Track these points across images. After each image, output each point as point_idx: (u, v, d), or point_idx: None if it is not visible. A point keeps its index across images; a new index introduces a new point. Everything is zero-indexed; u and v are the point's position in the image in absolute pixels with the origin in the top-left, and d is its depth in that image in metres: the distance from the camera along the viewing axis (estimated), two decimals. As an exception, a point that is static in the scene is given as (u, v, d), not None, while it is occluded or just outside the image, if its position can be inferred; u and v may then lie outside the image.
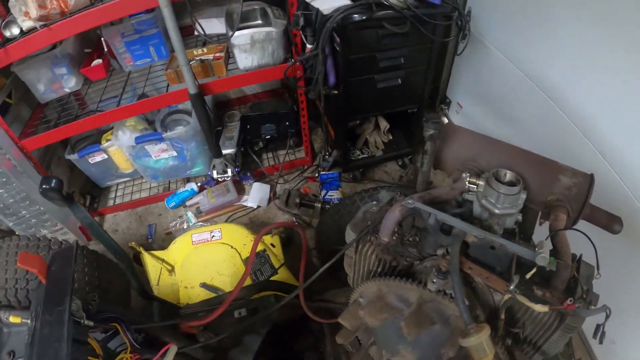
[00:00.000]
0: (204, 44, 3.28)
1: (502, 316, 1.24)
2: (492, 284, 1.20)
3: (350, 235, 1.51)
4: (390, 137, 3.61)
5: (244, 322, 2.04)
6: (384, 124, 3.51)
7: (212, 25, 3.29)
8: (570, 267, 1.16)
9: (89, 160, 3.60)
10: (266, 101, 4.05)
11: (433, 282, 1.25)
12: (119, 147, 3.56)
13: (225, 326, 1.97)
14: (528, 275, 1.14)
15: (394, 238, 1.39)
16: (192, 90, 2.98)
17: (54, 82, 3.38)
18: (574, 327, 1.16)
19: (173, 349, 1.44)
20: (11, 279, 1.98)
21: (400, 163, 3.74)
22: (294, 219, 3.39)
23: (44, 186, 1.41)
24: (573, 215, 1.33)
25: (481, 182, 1.27)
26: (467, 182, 1.30)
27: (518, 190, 1.22)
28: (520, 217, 1.29)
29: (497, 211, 1.24)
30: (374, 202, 1.57)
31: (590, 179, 1.32)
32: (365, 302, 1.45)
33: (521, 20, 2.79)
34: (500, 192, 1.22)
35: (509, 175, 1.28)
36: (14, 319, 1.52)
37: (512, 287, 1.12)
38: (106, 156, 3.67)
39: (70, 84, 3.39)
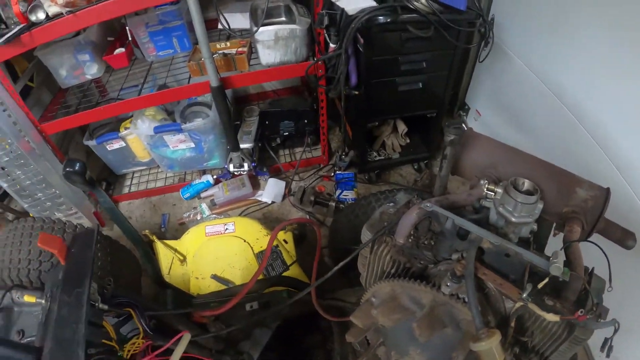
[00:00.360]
0: (228, 38, 3.30)
1: (512, 324, 1.25)
2: (505, 290, 1.21)
3: (366, 235, 1.51)
4: (408, 141, 3.61)
5: (255, 315, 2.06)
6: (402, 127, 3.51)
7: (236, 19, 3.29)
8: (582, 279, 1.17)
9: (107, 147, 3.65)
10: (285, 98, 4.08)
11: (447, 285, 1.26)
12: (137, 136, 3.61)
13: (236, 318, 1.98)
14: (540, 285, 1.14)
15: (410, 240, 1.40)
16: (214, 83, 3.01)
17: (76, 68, 3.41)
18: (582, 339, 1.17)
19: (187, 337, 1.46)
20: (24, 259, 2.01)
21: (416, 167, 3.74)
22: (308, 217, 3.40)
23: (67, 169, 1.43)
24: (587, 228, 1.34)
25: (499, 190, 1.28)
26: (485, 189, 1.31)
27: (535, 200, 1.23)
28: (535, 227, 1.30)
29: (513, 219, 1.25)
30: (391, 204, 1.58)
31: (606, 193, 1.33)
32: (378, 302, 1.46)
33: (544, 30, 2.79)
34: (518, 200, 1.23)
35: (527, 185, 1.29)
36: (28, 298, 1.54)
37: (524, 295, 1.13)
38: (124, 144, 3.73)
39: (92, 70, 3.42)
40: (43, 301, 1.38)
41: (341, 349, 2.01)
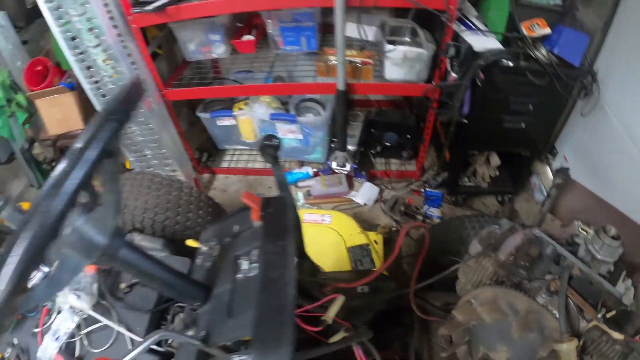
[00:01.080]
0: (350, 47, 3.51)
1: (581, 342, 1.51)
2: (585, 309, 1.48)
3: (476, 247, 1.78)
4: (497, 174, 3.77)
5: (364, 298, 2.30)
6: (495, 160, 3.68)
7: (351, 29, 3.40)
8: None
9: (217, 122, 3.97)
10: (391, 111, 4.26)
11: (542, 297, 1.53)
12: (250, 118, 3.86)
13: (348, 297, 2.22)
14: (609, 315, 1.44)
15: (510, 258, 1.67)
16: (341, 87, 3.25)
17: (204, 45, 3.69)
18: (635, 363, 1.44)
19: (341, 299, 1.62)
20: (140, 207, 2.31)
21: (499, 199, 3.89)
22: (394, 225, 3.61)
23: (266, 142, 1.64)
24: None
25: (591, 231, 1.55)
26: (579, 228, 1.58)
27: (619, 245, 1.49)
28: (612, 268, 1.56)
29: (599, 257, 1.51)
30: (496, 226, 1.84)
31: None
32: (478, 303, 1.72)
33: None
34: (605, 242, 1.49)
35: (613, 231, 1.54)
36: (192, 243, 1.71)
37: (599, 315, 1.41)
38: (234, 122, 4.02)
39: (219, 50, 3.69)
40: (206, 248, 1.59)
41: (419, 343, 2.24)
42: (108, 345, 1.75)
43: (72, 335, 1.76)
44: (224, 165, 4.34)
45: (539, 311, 1.54)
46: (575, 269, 1.54)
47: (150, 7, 2.98)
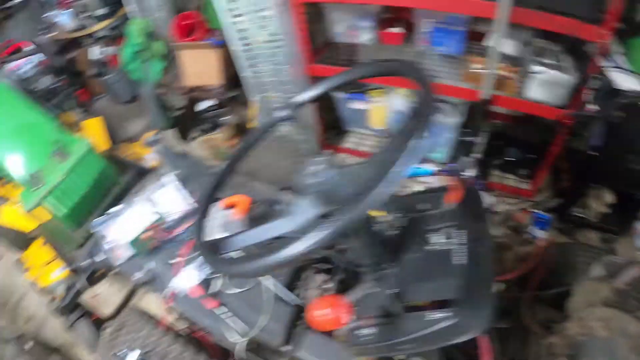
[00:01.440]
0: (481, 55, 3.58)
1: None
2: None
3: (596, 271, 1.96)
4: (609, 211, 3.77)
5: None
6: (607, 198, 3.70)
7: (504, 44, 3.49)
8: None
9: (348, 104, 4.14)
10: (518, 127, 4.36)
11: None
12: (384, 107, 4.02)
13: None
14: None
15: (626, 287, 1.82)
16: (486, 95, 3.36)
17: (352, 29, 3.88)
18: None
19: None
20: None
21: (603, 236, 3.87)
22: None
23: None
24: None
25: None
26: None
27: None
28: None
29: None
30: (614, 257, 2.01)
31: None
32: (593, 319, 1.88)
33: None
34: None
35: None
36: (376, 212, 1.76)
37: None
38: (366, 108, 4.17)
39: (365, 37, 3.88)
40: (391, 218, 1.72)
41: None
42: (244, 289, 2.04)
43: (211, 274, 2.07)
44: (347, 145, 4.54)
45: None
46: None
47: None
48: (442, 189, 1.71)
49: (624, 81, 3.05)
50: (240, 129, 4.82)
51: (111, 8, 5.10)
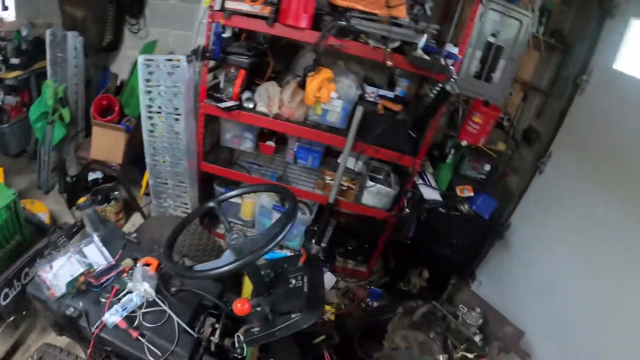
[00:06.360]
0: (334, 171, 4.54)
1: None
2: (456, 345, 2.89)
3: (399, 310, 3.28)
4: (426, 284, 4.69)
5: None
6: (425, 274, 4.66)
7: (350, 162, 4.47)
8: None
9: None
10: (357, 223, 5.26)
11: (431, 335, 2.93)
12: (253, 202, 4.88)
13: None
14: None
15: (419, 319, 3.11)
16: (331, 199, 4.31)
17: (237, 137, 4.64)
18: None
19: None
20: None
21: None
22: (342, 306, 4.58)
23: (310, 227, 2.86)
24: (505, 347, 2.95)
25: (465, 308, 2.99)
26: (460, 306, 3.00)
27: (479, 317, 2.96)
28: (477, 330, 2.94)
29: (467, 321, 2.93)
30: (414, 302, 3.30)
31: (521, 334, 3.00)
32: (396, 337, 3.07)
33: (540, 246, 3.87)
34: (472, 314, 2.96)
35: (478, 309, 2.99)
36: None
37: (462, 347, 2.85)
38: (240, 201, 4.98)
39: (247, 145, 4.70)
40: (266, 272, 2.53)
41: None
42: (159, 324, 2.45)
43: (133, 311, 2.44)
44: (219, 231, 5.19)
45: (429, 341, 2.86)
46: (452, 324, 2.89)
47: (222, 105, 3.90)
48: (298, 255, 2.62)
49: (429, 193, 4.25)
50: (128, 206, 5.09)
51: (26, 60, 5.07)
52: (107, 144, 4.80)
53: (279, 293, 2.44)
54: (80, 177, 5.05)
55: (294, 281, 2.47)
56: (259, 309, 2.33)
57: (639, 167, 2.90)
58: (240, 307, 2.25)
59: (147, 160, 4.45)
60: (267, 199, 4.76)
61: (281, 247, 4.96)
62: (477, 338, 2.89)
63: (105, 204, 4.84)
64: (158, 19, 5.34)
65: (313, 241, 4.61)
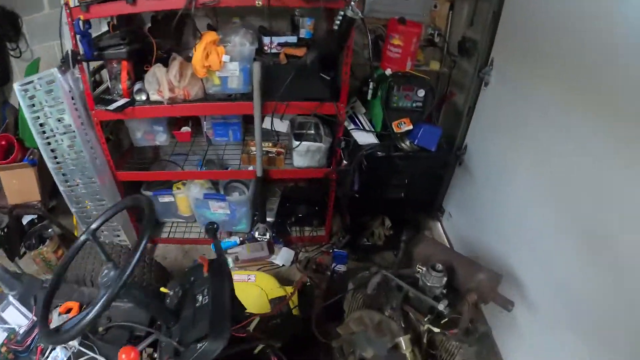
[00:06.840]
0: (267, 139, 4.23)
1: (424, 339, 2.42)
2: (418, 317, 2.39)
3: (351, 286, 2.73)
4: (391, 233, 4.46)
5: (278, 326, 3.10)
6: (387, 223, 4.43)
7: (267, 124, 3.94)
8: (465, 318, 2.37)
9: (159, 199, 4.58)
10: (303, 187, 5.06)
11: (388, 311, 2.46)
12: (186, 196, 4.54)
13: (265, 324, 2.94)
14: (443, 321, 2.39)
15: (374, 291, 2.58)
16: (259, 173, 3.92)
17: (149, 134, 4.28)
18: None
19: (257, 319, 2.58)
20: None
21: (395, 253, 4.44)
22: (308, 280, 4.24)
23: (209, 226, 2.38)
24: (482, 298, 2.51)
25: (424, 269, 2.47)
26: (417, 267, 2.52)
27: (442, 275, 2.41)
28: (444, 290, 2.48)
29: (429, 284, 2.43)
30: (367, 272, 2.77)
31: (499, 278, 2.54)
32: (350, 320, 2.61)
33: (497, 158, 3.69)
34: (433, 275, 2.41)
35: (439, 266, 2.45)
36: (164, 290, 2.34)
37: (425, 319, 2.34)
38: (173, 199, 4.64)
39: (162, 139, 4.32)
40: (172, 293, 2.30)
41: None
42: None
43: (64, 367, 2.25)
44: (164, 235, 4.90)
45: (386, 320, 2.44)
46: (410, 293, 2.45)
47: (111, 107, 3.51)
48: (201, 265, 2.29)
49: (363, 138, 3.90)
50: (65, 239, 4.74)
51: None
52: (19, 185, 4.43)
53: (187, 317, 2.13)
54: (10, 226, 4.61)
55: (200, 297, 2.17)
56: (163, 344, 2.12)
57: (588, 54, 2.50)
58: (125, 358, 1.93)
59: (61, 188, 4.04)
60: (196, 190, 4.43)
61: (230, 234, 4.70)
62: (441, 305, 2.37)
63: (41, 246, 4.45)
64: (39, 35, 4.83)
65: (255, 219, 4.45)
